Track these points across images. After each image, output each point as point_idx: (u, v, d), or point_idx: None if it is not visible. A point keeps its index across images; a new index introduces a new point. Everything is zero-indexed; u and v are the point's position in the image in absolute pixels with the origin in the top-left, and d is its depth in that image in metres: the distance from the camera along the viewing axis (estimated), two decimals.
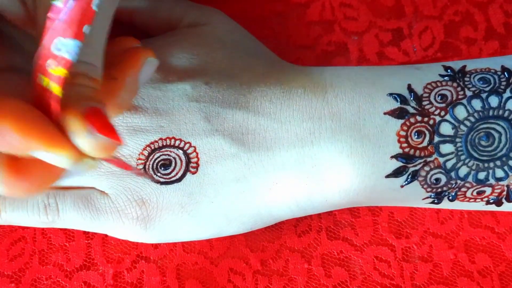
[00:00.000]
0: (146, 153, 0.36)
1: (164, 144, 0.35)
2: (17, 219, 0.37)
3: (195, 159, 0.36)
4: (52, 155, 0.25)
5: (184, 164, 0.36)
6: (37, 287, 0.39)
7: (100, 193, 0.36)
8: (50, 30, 0.25)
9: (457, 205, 0.35)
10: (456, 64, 0.35)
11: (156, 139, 0.35)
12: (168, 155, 0.36)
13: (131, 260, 0.40)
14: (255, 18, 0.44)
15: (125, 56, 0.30)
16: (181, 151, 0.36)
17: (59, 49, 0.24)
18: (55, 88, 0.25)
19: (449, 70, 0.35)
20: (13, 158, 0.26)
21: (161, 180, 0.36)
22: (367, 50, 0.43)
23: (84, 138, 0.25)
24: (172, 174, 0.36)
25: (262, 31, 0.44)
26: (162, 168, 0.36)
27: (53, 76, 0.25)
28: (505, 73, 0.34)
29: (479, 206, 0.35)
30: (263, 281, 0.39)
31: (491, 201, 0.34)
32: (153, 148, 0.36)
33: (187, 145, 0.35)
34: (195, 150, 0.35)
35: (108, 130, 0.25)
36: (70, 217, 0.37)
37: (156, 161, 0.36)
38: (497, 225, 0.40)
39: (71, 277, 0.39)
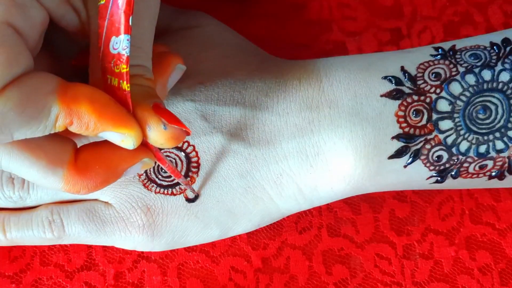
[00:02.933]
0: None
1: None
2: (23, 238, 0.37)
3: (196, 159, 0.35)
4: (120, 135, 0.28)
5: (185, 165, 0.36)
6: (38, 287, 0.39)
7: (104, 204, 0.36)
8: (103, 32, 0.28)
9: (461, 183, 0.35)
10: (446, 45, 0.36)
11: None
12: (168, 157, 0.36)
13: (132, 260, 0.39)
14: (253, 18, 0.44)
15: (155, 62, 0.31)
16: (180, 152, 0.35)
17: (116, 48, 0.27)
18: (124, 85, 0.27)
19: (439, 50, 0.35)
20: (75, 155, 0.29)
21: (164, 183, 0.35)
22: (366, 49, 0.43)
23: (160, 130, 0.28)
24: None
25: (260, 30, 0.44)
26: (164, 171, 0.35)
27: (120, 74, 0.27)
28: (495, 47, 0.35)
29: (482, 182, 0.35)
30: (264, 279, 0.39)
31: (493, 174, 0.35)
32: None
33: (185, 144, 0.35)
34: (194, 150, 0.35)
35: (178, 121, 0.29)
36: (76, 232, 0.36)
37: (156, 163, 0.35)
38: (498, 222, 0.40)
39: (72, 278, 0.39)
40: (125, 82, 0.27)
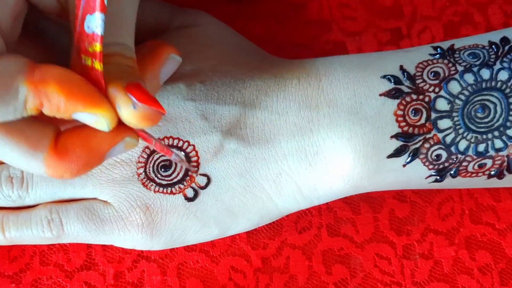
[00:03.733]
0: (145, 155, 0.35)
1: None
2: (22, 238, 0.37)
3: (195, 158, 0.35)
4: (93, 116, 0.27)
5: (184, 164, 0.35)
6: (38, 287, 0.39)
7: (103, 203, 0.36)
8: (79, 13, 0.27)
9: (460, 182, 0.35)
10: (444, 44, 0.36)
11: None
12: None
13: (131, 260, 0.39)
14: (253, 17, 0.44)
15: (146, 51, 0.31)
16: (180, 151, 0.35)
17: (89, 26, 0.26)
18: (97, 64, 0.27)
19: (438, 49, 0.35)
20: (55, 140, 0.29)
21: (163, 182, 0.36)
22: (366, 49, 0.43)
23: (129, 109, 0.27)
24: (173, 175, 0.35)
25: (260, 30, 0.44)
26: (163, 170, 0.35)
27: (93, 53, 0.26)
28: (493, 46, 0.35)
29: (481, 181, 0.35)
30: (264, 279, 0.39)
31: (493, 173, 0.35)
32: (151, 149, 0.35)
33: (186, 143, 0.35)
34: (194, 149, 0.35)
35: (151, 100, 0.28)
36: (75, 231, 0.36)
37: (156, 163, 0.35)
38: (497, 222, 0.40)
39: (72, 277, 0.39)
40: (97, 62, 0.27)
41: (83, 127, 0.29)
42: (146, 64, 0.31)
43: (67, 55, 0.30)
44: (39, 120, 0.28)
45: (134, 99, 0.27)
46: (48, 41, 0.33)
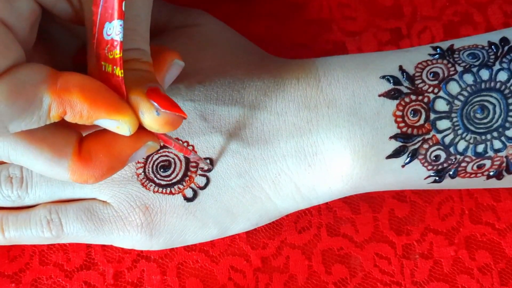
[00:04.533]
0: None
1: (162, 144, 0.35)
2: (21, 237, 0.37)
3: None
4: (116, 122, 0.28)
5: (183, 165, 0.36)
6: (37, 287, 0.39)
7: (102, 203, 0.36)
8: (97, 20, 0.27)
9: (459, 183, 0.35)
10: (444, 44, 0.36)
11: None
12: (167, 156, 0.36)
13: (131, 259, 0.40)
14: (253, 17, 0.44)
15: (152, 58, 0.31)
16: (180, 152, 0.35)
17: (108, 33, 0.27)
18: (118, 70, 0.27)
19: (438, 49, 0.35)
20: (78, 146, 0.29)
21: (163, 182, 0.36)
22: (366, 49, 0.43)
23: (152, 116, 0.28)
24: (173, 176, 0.35)
25: (260, 30, 0.44)
26: (162, 170, 0.35)
27: (113, 60, 0.27)
28: (492, 47, 0.35)
29: (480, 182, 0.35)
30: (263, 279, 0.39)
31: (491, 174, 0.35)
32: None
33: (185, 144, 0.35)
34: (193, 149, 0.35)
35: (173, 105, 0.28)
36: (75, 231, 0.36)
37: (155, 163, 0.35)
38: (497, 222, 0.40)
39: (72, 277, 0.39)
40: (118, 68, 0.27)
41: (105, 132, 0.29)
42: None
43: (70, 57, 0.31)
44: (62, 126, 0.29)
45: (156, 105, 0.28)
46: (53, 44, 0.33)
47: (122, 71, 0.27)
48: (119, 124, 0.28)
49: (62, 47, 0.34)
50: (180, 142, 0.35)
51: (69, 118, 0.27)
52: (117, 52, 0.27)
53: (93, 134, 0.30)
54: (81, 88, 0.27)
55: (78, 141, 0.30)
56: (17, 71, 0.26)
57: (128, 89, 0.28)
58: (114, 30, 0.27)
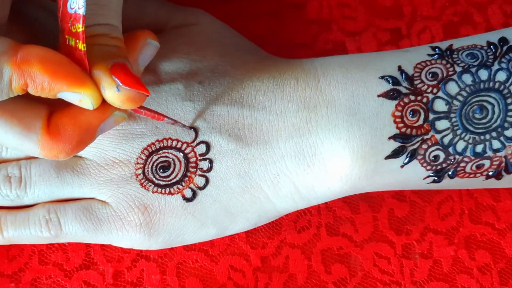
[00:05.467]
0: (143, 156, 0.35)
1: (161, 146, 0.35)
2: (20, 237, 0.37)
3: (194, 159, 0.35)
4: (78, 95, 0.28)
5: (183, 165, 0.36)
6: (37, 286, 0.39)
7: (101, 203, 0.36)
8: None
9: (458, 183, 0.35)
10: (443, 44, 0.36)
11: (153, 141, 0.35)
12: (166, 157, 0.36)
13: (131, 259, 0.40)
14: (251, 17, 0.44)
15: (124, 40, 0.31)
16: (179, 152, 0.35)
17: (73, 7, 0.27)
18: (80, 44, 0.27)
19: (437, 50, 0.35)
20: (47, 120, 0.29)
21: (162, 183, 0.36)
22: (365, 49, 0.43)
23: (112, 91, 0.28)
24: (172, 176, 0.35)
25: (259, 30, 0.44)
26: (161, 171, 0.35)
27: (76, 34, 0.27)
28: (491, 47, 0.35)
29: (479, 182, 0.35)
30: (263, 278, 0.39)
31: (490, 174, 0.35)
32: (150, 151, 0.35)
33: (184, 144, 0.35)
34: (193, 150, 0.35)
35: (134, 82, 0.28)
36: (73, 230, 0.36)
37: (155, 164, 0.35)
38: (497, 222, 0.40)
39: (71, 277, 0.39)
40: (80, 42, 0.27)
41: (72, 105, 0.29)
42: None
43: (56, 40, 0.31)
44: (32, 100, 0.29)
45: (118, 81, 0.28)
46: (39, 28, 0.34)
47: (84, 45, 0.27)
48: (81, 97, 0.28)
49: (47, 30, 0.34)
50: (150, 109, 0.34)
51: (31, 90, 0.27)
52: (80, 26, 0.27)
53: (61, 107, 0.30)
54: (41, 60, 0.27)
55: (47, 115, 0.30)
56: None
57: (92, 63, 0.28)
58: (77, 4, 0.26)
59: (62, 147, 0.29)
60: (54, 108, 0.30)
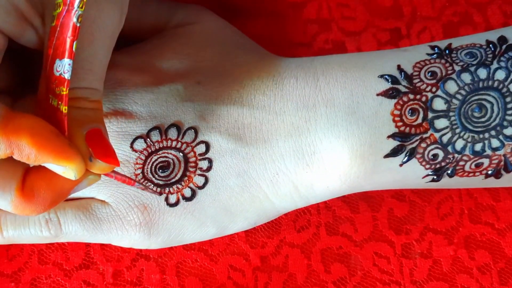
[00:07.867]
0: (143, 157, 0.35)
1: (161, 146, 0.35)
2: (20, 237, 0.37)
3: (194, 159, 0.35)
4: (61, 168, 0.28)
5: (182, 165, 0.36)
6: (37, 286, 0.39)
7: (101, 203, 0.36)
8: (50, 53, 0.28)
9: (457, 182, 0.35)
10: (442, 43, 0.36)
11: (153, 141, 0.35)
12: (166, 157, 0.36)
13: (130, 259, 0.40)
14: (252, 16, 0.44)
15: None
16: (179, 152, 0.35)
17: (58, 70, 0.27)
18: (62, 107, 0.27)
19: (436, 49, 0.35)
20: (22, 180, 0.29)
21: (161, 182, 0.36)
22: (365, 49, 0.43)
23: (86, 160, 0.29)
24: (171, 176, 0.35)
25: (259, 29, 0.44)
26: (161, 171, 0.35)
27: (60, 96, 0.27)
28: (490, 45, 0.35)
29: (479, 181, 0.35)
30: (262, 278, 0.40)
31: (490, 173, 0.35)
32: (150, 151, 0.35)
33: (184, 145, 0.35)
34: (192, 150, 0.35)
35: (105, 155, 0.29)
36: (73, 230, 0.36)
37: (154, 164, 0.35)
38: (497, 222, 0.40)
39: (71, 276, 0.39)
40: (63, 104, 0.27)
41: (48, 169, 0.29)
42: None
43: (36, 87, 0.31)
44: (8, 160, 0.28)
45: (91, 152, 0.29)
46: (23, 60, 0.34)
47: (66, 107, 0.27)
48: (65, 170, 0.28)
49: (33, 61, 0.34)
50: (121, 174, 0.34)
51: (16, 157, 0.27)
52: (64, 89, 0.27)
53: (37, 168, 0.30)
54: (31, 133, 0.27)
55: (23, 174, 0.29)
56: None
57: (71, 128, 0.28)
58: (63, 68, 0.27)
59: (34, 208, 0.29)
60: (29, 167, 0.30)
